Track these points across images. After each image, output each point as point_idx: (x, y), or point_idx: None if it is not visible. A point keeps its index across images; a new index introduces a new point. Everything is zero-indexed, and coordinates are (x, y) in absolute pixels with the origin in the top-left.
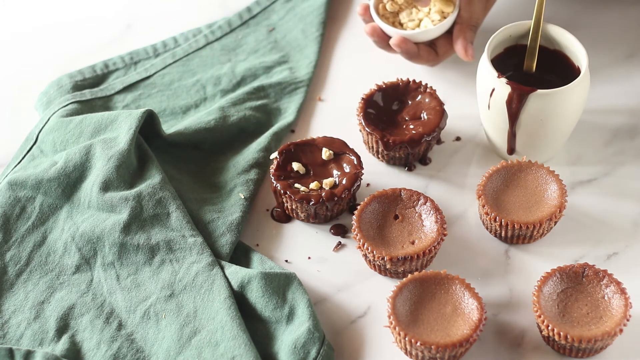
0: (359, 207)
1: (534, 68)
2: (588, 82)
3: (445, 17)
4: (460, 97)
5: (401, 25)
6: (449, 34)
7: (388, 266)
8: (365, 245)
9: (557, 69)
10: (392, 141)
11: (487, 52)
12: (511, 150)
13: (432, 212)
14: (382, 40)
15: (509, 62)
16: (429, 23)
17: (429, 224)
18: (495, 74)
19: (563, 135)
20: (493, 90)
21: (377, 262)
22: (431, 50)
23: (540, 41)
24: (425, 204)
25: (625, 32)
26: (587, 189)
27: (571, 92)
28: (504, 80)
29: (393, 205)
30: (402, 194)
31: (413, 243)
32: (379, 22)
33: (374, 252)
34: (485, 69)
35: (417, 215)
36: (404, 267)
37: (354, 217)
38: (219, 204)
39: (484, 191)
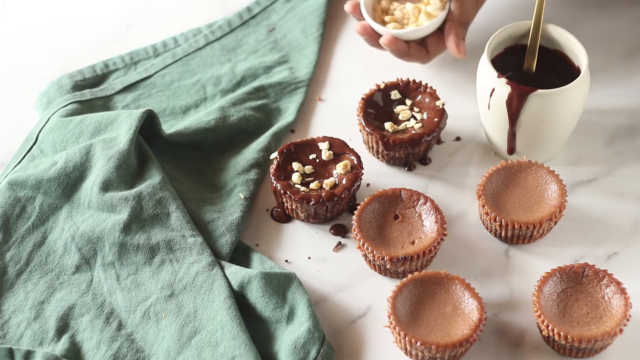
0: (358, 207)
1: (534, 68)
2: (588, 82)
3: (434, 15)
4: (460, 97)
5: (390, 22)
6: (439, 31)
7: (388, 266)
8: (365, 246)
9: (557, 69)
10: (392, 141)
11: (487, 52)
12: (511, 150)
13: (432, 212)
14: (373, 38)
15: (509, 62)
16: (423, 19)
17: (429, 224)
18: (495, 74)
19: (563, 135)
20: (493, 90)
21: (377, 262)
22: (422, 48)
23: (540, 41)
24: (425, 204)
25: (625, 32)
26: (587, 189)
27: (571, 92)
28: (504, 80)
29: (393, 205)
30: (402, 194)
31: (413, 243)
32: (369, 21)
33: (374, 252)
34: (485, 69)
35: (417, 215)
36: (404, 267)
37: (354, 217)
38: (219, 204)
39: (484, 191)
